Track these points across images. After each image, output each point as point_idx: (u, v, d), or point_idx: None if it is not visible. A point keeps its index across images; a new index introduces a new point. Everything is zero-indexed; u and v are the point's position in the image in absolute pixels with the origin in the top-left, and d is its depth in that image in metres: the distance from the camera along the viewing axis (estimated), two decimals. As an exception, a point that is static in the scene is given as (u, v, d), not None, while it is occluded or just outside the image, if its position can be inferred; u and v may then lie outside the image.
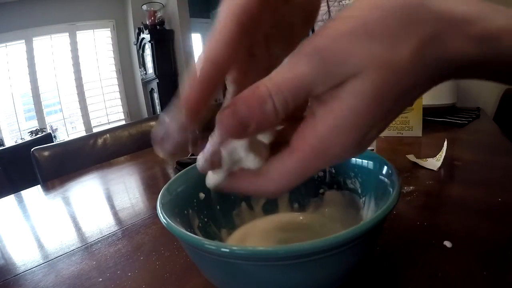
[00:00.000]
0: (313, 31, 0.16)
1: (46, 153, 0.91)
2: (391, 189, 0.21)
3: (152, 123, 1.17)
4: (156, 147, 0.19)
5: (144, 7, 2.92)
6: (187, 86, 0.15)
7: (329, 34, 0.14)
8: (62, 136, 3.11)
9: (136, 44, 3.17)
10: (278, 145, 0.17)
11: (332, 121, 0.14)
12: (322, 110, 0.15)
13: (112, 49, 3.43)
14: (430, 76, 0.14)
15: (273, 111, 0.14)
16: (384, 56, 0.13)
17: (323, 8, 1.53)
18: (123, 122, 3.38)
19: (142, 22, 2.96)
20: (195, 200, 0.29)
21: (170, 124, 0.17)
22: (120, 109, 3.54)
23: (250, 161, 0.17)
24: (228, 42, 0.15)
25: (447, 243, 0.28)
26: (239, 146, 0.17)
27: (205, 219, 0.29)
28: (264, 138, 0.19)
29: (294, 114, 0.17)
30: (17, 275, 0.35)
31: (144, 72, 3.18)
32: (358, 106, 0.14)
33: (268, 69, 0.16)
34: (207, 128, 0.22)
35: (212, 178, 0.18)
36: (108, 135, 1.06)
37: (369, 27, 0.13)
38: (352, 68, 0.14)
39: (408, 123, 0.67)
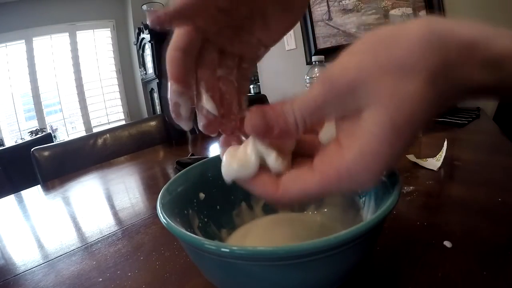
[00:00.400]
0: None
1: (46, 153, 0.91)
2: (391, 189, 0.21)
3: (152, 123, 1.17)
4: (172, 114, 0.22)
5: (144, 7, 2.91)
6: (168, 68, 0.20)
7: (341, 65, 0.16)
8: (62, 136, 3.11)
9: (136, 44, 3.17)
10: (294, 156, 0.21)
11: (357, 148, 0.16)
12: (348, 139, 0.16)
13: (112, 49, 3.43)
14: (444, 102, 0.15)
15: (294, 124, 0.17)
16: (396, 87, 0.14)
17: (323, 8, 1.53)
18: (123, 122, 3.38)
19: (142, 22, 2.96)
20: (195, 200, 0.29)
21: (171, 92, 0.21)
22: (120, 109, 3.54)
23: (272, 160, 0.19)
24: (183, 36, 0.20)
25: (447, 243, 0.28)
26: (262, 143, 0.19)
27: (205, 219, 0.29)
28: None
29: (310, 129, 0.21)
30: (17, 275, 0.35)
31: (144, 72, 3.18)
32: (379, 134, 0.15)
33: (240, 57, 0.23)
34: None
35: (235, 171, 0.19)
36: (108, 135, 1.06)
37: (378, 60, 0.14)
38: (363, 96, 0.15)
39: (408, 123, 0.66)
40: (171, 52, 0.20)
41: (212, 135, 0.23)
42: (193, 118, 0.23)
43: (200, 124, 0.22)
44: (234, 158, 0.20)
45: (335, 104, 0.16)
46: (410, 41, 0.14)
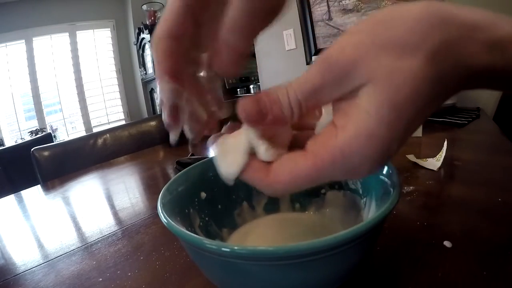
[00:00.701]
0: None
1: (46, 153, 0.91)
2: (391, 189, 0.21)
3: (152, 123, 1.17)
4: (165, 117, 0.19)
5: (144, 7, 2.92)
6: (161, 61, 0.18)
7: (338, 45, 0.15)
8: (62, 136, 3.11)
9: (136, 44, 3.17)
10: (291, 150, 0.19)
11: (352, 129, 0.14)
12: (342, 119, 0.15)
13: (112, 49, 3.43)
14: (447, 84, 0.14)
15: (288, 109, 0.16)
16: (396, 65, 0.13)
17: (323, 8, 1.53)
18: (123, 122, 3.38)
19: (142, 22, 2.96)
20: (196, 199, 0.29)
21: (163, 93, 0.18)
22: (120, 109, 3.54)
23: (262, 151, 0.18)
24: (179, 20, 0.17)
25: (447, 243, 0.28)
26: (254, 133, 0.18)
27: (206, 218, 0.29)
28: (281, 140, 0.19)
29: (307, 123, 0.20)
30: (17, 275, 0.35)
31: (144, 72, 3.18)
32: (376, 114, 0.14)
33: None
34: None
35: (229, 167, 0.18)
36: (108, 135, 1.06)
37: (377, 39, 0.14)
38: (360, 76, 0.14)
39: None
40: (163, 41, 0.18)
41: (198, 140, 0.22)
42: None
43: (191, 137, 0.21)
44: (226, 154, 0.19)
45: (332, 85, 0.15)
46: (410, 21, 0.14)
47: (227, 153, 0.19)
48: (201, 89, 0.22)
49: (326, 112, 0.20)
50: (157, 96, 0.18)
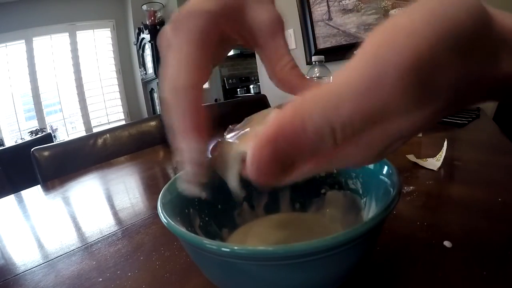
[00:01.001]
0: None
1: (46, 153, 0.91)
2: (391, 189, 0.21)
3: (152, 123, 1.17)
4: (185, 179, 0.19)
5: (144, 7, 2.92)
6: (184, 116, 0.16)
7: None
8: (62, 136, 3.11)
9: (136, 44, 3.18)
10: None
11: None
12: None
13: (112, 49, 3.43)
14: (472, 69, 0.11)
15: (330, 137, 0.12)
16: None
17: (323, 8, 1.53)
18: (123, 122, 3.38)
19: (142, 22, 2.96)
20: (196, 199, 0.29)
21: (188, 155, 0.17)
22: (120, 109, 3.54)
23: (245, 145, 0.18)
24: (195, 68, 0.16)
25: (447, 243, 0.28)
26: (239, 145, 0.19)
27: (206, 218, 0.29)
28: None
29: None
30: (17, 275, 0.35)
31: (144, 72, 3.19)
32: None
33: None
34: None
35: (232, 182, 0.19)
36: (108, 135, 1.06)
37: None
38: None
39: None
40: (185, 92, 0.15)
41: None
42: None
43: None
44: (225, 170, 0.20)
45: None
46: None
47: (226, 169, 0.20)
48: None
49: None
50: (178, 159, 0.16)
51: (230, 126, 0.22)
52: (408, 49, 0.10)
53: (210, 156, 0.20)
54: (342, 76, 0.11)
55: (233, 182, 0.18)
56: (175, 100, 0.16)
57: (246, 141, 0.18)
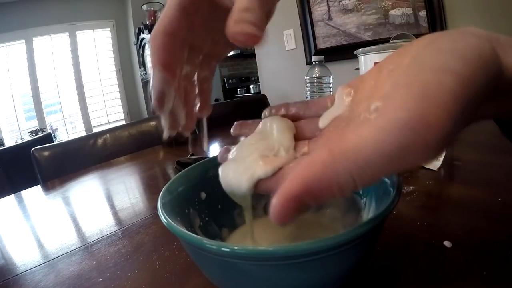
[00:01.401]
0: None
1: (46, 153, 0.91)
2: (391, 189, 0.21)
3: (152, 123, 1.17)
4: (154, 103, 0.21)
5: (144, 7, 2.92)
6: (155, 53, 0.19)
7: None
8: (62, 136, 3.11)
9: (136, 44, 3.17)
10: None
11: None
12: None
13: (112, 49, 3.43)
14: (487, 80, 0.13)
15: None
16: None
17: (323, 8, 1.53)
18: (123, 122, 3.38)
19: (142, 22, 2.96)
20: (196, 200, 0.29)
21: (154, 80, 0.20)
22: (120, 109, 3.54)
23: (260, 169, 0.19)
24: (175, 19, 0.19)
25: (447, 243, 0.28)
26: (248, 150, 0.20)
27: (206, 218, 0.29)
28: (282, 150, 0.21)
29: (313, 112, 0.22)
30: (17, 275, 0.35)
31: (144, 72, 3.18)
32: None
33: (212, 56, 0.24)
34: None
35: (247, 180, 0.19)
36: (108, 135, 1.06)
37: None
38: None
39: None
40: (159, 36, 0.19)
41: (172, 135, 0.23)
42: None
43: (166, 125, 0.22)
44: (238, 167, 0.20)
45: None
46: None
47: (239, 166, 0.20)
48: (188, 90, 0.24)
49: (339, 102, 0.21)
50: (150, 85, 0.20)
51: (225, 146, 0.24)
52: (434, 120, 0.11)
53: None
54: (371, 130, 0.12)
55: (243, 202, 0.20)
56: (150, 43, 0.20)
57: (257, 162, 0.20)
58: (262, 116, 0.24)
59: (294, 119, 0.24)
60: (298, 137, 0.23)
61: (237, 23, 0.16)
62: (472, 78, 0.12)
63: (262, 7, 0.17)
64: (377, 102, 0.13)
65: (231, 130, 0.25)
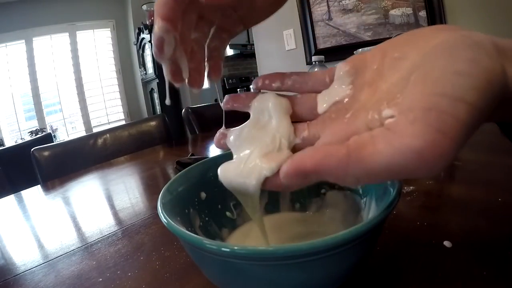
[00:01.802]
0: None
1: (46, 153, 0.91)
2: (391, 189, 0.21)
3: (152, 123, 1.17)
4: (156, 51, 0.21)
5: (144, 7, 2.92)
6: (158, 8, 0.19)
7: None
8: (62, 136, 3.11)
9: (136, 44, 3.18)
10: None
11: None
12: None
13: (112, 49, 3.43)
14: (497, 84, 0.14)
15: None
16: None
17: (323, 8, 1.53)
18: (123, 122, 3.38)
19: (142, 22, 2.96)
20: (196, 200, 0.29)
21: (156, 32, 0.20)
22: (120, 109, 3.54)
23: (266, 167, 0.19)
24: None
25: (447, 243, 0.28)
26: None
27: (206, 218, 0.29)
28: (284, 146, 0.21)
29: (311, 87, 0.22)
30: (17, 275, 0.35)
31: (144, 72, 3.18)
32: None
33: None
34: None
35: (254, 178, 0.19)
36: (108, 135, 1.06)
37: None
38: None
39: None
40: None
41: (177, 85, 0.23)
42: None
43: (167, 71, 0.22)
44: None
45: None
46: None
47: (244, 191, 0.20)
48: (196, 50, 0.24)
49: (338, 82, 0.20)
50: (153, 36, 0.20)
51: (221, 131, 0.23)
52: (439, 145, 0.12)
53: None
54: (388, 149, 0.13)
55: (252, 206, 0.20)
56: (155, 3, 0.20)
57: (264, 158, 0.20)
58: (253, 86, 0.24)
59: (290, 92, 0.23)
60: (295, 116, 0.22)
61: None
62: (482, 108, 0.13)
63: None
64: (390, 110, 0.14)
65: (222, 104, 0.24)
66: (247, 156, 0.21)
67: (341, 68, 0.20)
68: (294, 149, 0.21)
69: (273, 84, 0.23)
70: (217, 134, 0.23)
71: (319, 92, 0.22)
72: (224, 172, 0.21)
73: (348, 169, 0.14)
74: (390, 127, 0.14)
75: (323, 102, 0.21)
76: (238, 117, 0.25)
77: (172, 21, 0.20)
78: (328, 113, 0.20)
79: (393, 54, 0.18)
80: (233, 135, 0.23)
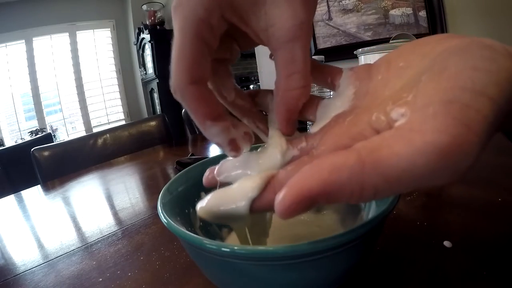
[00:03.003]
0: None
1: (46, 153, 0.91)
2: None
3: (152, 123, 1.17)
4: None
5: (144, 7, 2.92)
6: (196, 109, 0.17)
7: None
8: (62, 136, 3.11)
9: (136, 44, 3.17)
10: None
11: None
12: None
13: (112, 49, 3.43)
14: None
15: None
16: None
17: (323, 8, 1.53)
18: (123, 122, 3.38)
19: (142, 22, 2.96)
20: (196, 200, 0.28)
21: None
22: (120, 109, 3.54)
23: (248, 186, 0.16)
24: (199, 61, 0.16)
25: (447, 243, 0.28)
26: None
27: (206, 219, 0.29)
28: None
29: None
30: (17, 275, 0.35)
31: (144, 72, 3.18)
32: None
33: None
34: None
35: (245, 194, 0.16)
36: (108, 135, 1.06)
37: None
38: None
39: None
40: (192, 87, 0.16)
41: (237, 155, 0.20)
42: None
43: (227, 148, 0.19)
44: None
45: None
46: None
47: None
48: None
49: (342, 94, 0.19)
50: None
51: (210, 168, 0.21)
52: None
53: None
54: (407, 149, 0.11)
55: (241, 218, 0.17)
56: (180, 99, 0.17)
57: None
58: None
59: None
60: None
61: (288, 124, 0.17)
62: (502, 105, 0.11)
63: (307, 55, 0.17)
64: (401, 108, 0.13)
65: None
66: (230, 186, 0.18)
67: (347, 77, 0.19)
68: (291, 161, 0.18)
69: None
70: (206, 172, 0.21)
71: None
72: (208, 204, 0.17)
73: (364, 178, 0.11)
74: (404, 127, 0.12)
75: (323, 117, 0.19)
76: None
77: (222, 118, 0.17)
78: (328, 123, 0.19)
79: (398, 63, 0.17)
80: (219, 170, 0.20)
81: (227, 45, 0.20)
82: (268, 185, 0.16)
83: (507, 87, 0.12)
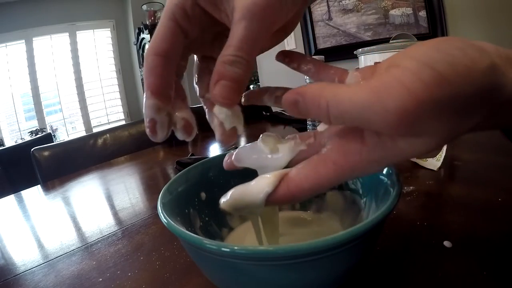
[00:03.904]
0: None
1: (46, 153, 0.91)
2: (391, 189, 0.21)
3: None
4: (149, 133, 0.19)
5: (144, 7, 2.91)
6: (146, 77, 0.18)
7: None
8: (62, 136, 3.11)
9: (136, 44, 3.17)
10: None
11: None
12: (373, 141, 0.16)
13: (112, 49, 3.43)
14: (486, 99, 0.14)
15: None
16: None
17: (323, 8, 1.53)
18: (123, 122, 3.38)
19: (142, 22, 2.96)
20: (196, 200, 0.29)
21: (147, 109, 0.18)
22: (120, 109, 3.54)
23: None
24: (167, 38, 0.18)
25: (447, 243, 0.28)
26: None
27: (206, 218, 0.29)
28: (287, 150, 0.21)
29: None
30: (17, 275, 0.35)
31: (144, 72, 3.18)
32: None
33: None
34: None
35: (262, 189, 0.18)
36: (108, 135, 1.06)
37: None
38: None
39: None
40: (151, 57, 0.18)
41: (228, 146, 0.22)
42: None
43: (217, 136, 0.20)
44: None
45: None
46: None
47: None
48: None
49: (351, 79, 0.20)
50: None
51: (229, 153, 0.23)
52: (399, 102, 0.13)
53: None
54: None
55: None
56: (145, 63, 0.18)
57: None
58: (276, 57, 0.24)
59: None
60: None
61: (217, 85, 0.17)
62: (452, 83, 0.13)
63: (256, 48, 0.17)
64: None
65: (243, 102, 0.24)
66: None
67: (351, 76, 0.21)
68: (299, 155, 0.20)
69: (291, 64, 0.24)
70: (227, 156, 0.23)
71: None
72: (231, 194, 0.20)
73: (326, 101, 0.14)
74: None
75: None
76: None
77: (165, 94, 0.18)
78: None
79: (396, 62, 0.18)
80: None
81: (219, 44, 0.21)
82: (282, 182, 0.18)
83: (466, 73, 0.13)
